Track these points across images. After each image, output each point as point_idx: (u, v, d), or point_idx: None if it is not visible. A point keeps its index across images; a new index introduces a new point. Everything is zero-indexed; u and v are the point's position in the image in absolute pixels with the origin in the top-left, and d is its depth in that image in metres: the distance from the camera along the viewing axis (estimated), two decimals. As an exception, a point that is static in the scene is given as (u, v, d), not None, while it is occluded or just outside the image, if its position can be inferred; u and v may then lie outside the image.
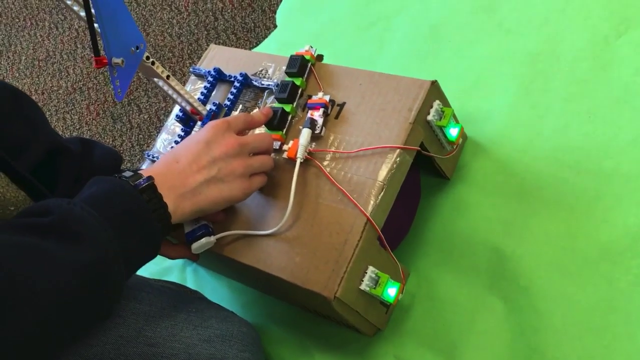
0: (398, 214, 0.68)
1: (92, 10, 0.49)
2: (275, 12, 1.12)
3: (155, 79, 0.67)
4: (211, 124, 0.63)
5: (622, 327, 0.62)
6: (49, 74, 1.43)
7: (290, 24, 1.07)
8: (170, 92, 0.69)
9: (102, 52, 0.52)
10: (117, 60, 0.52)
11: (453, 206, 0.77)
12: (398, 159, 0.63)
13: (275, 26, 1.10)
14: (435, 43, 0.90)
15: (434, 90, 0.66)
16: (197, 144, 0.61)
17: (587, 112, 0.74)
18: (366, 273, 0.62)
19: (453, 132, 0.69)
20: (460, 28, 0.89)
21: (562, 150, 0.74)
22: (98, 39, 0.50)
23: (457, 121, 0.73)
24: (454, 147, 0.73)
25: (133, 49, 0.55)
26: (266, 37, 1.10)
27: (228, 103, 0.76)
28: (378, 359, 0.73)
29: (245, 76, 0.76)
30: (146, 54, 0.61)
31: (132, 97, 1.27)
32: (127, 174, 0.58)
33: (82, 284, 0.47)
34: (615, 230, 0.67)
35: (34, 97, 1.40)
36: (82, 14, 0.55)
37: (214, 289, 0.89)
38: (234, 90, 0.76)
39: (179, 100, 0.72)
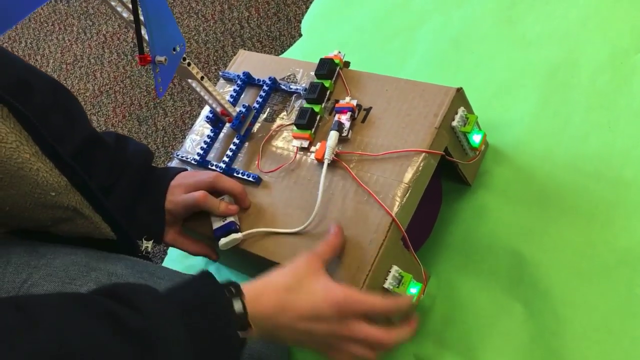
0: (420, 217, 0.70)
1: (140, 10, 0.52)
2: (300, 22, 1.15)
3: (189, 80, 0.70)
4: (334, 298, 0.58)
5: (639, 332, 0.63)
6: (77, 77, 1.47)
7: (315, 33, 1.10)
8: (202, 93, 0.72)
9: (146, 50, 0.54)
10: (160, 58, 0.55)
11: (474, 211, 0.79)
12: (423, 163, 0.65)
13: (300, 35, 1.12)
14: (458, 54, 0.92)
15: (459, 97, 0.68)
16: (309, 307, 0.58)
17: (607, 123, 0.76)
18: (390, 272, 0.64)
19: (476, 138, 0.71)
20: (482, 39, 0.91)
21: (582, 159, 0.75)
22: (143, 36, 0.53)
23: (480, 128, 0.75)
24: (477, 153, 0.74)
25: (174, 49, 0.58)
26: (291, 45, 1.12)
27: (256, 106, 0.78)
28: (397, 357, 0.74)
29: (274, 80, 0.79)
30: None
31: (158, 101, 1.30)
32: (235, 303, 0.54)
33: None
34: (635, 237, 0.68)
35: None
36: (125, 14, 0.58)
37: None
38: (263, 94, 0.78)
39: (210, 101, 0.74)
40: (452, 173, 0.77)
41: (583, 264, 0.70)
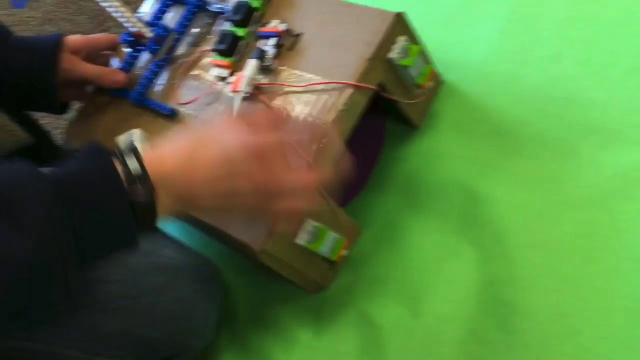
0: (354, 161, 0.62)
1: None
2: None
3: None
4: (246, 141, 0.49)
5: (600, 280, 0.56)
6: (27, 8, 1.37)
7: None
8: (110, 10, 0.62)
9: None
10: None
11: (422, 154, 0.70)
12: (350, 99, 0.55)
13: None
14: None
15: (399, 24, 0.58)
16: (221, 151, 0.49)
17: (583, 38, 0.66)
18: (302, 226, 0.56)
19: (416, 72, 0.62)
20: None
21: (552, 82, 0.66)
22: None
23: (427, 61, 0.65)
24: (422, 90, 0.65)
25: None
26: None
27: (178, 27, 0.68)
28: (337, 310, 0.67)
29: (201, -2, 0.68)
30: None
31: (106, 27, 1.20)
32: (131, 162, 0.46)
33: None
34: (603, 171, 0.59)
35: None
36: None
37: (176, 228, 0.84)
38: (186, 13, 0.68)
39: (121, 20, 0.64)
40: (397, 115, 0.68)
41: (543, 203, 0.61)
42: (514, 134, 0.66)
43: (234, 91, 0.59)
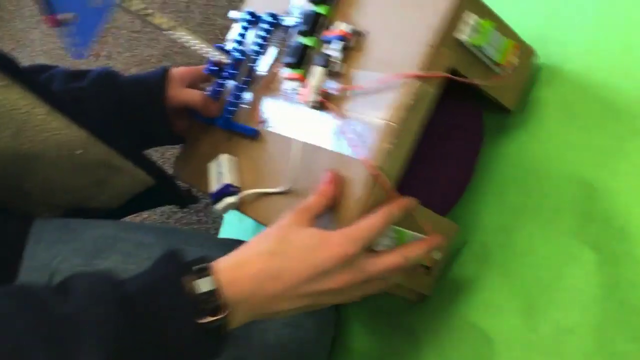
0: (447, 164, 0.58)
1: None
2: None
3: (168, 32, 0.62)
4: (338, 246, 0.49)
5: None
6: (144, 44, 1.46)
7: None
8: (186, 44, 0.63)
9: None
10: (65, 16, 0.47)
11: (526, 146, 0.64)
12: (414, 93, 0.51)
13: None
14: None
15: (465, 0, 0.53)
16: (309, 268, 0.48)
17: None
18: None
19: (496, 49, 0.56)
20: None
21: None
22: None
23: (508, 35, 0.59)
24: (506, 68, 0.59)
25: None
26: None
27: (256, 48, 0.68)
28: (443, 322, 0.63)
29: (274, 16, 0.68)
30: (140, 5, 0.56)
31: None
32: (203, 284, 0.45)
33: None
34: None
35: (132, 70, 1.44)
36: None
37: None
38: (261, 33, 0.68)
39: (201, 51, 0.66)
40: (491, 103, 0.62)
41: None
42: (632, 113, 0.57)
43: (304, 102, 0.57)
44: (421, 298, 0.63)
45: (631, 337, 0.51)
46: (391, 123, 0.51)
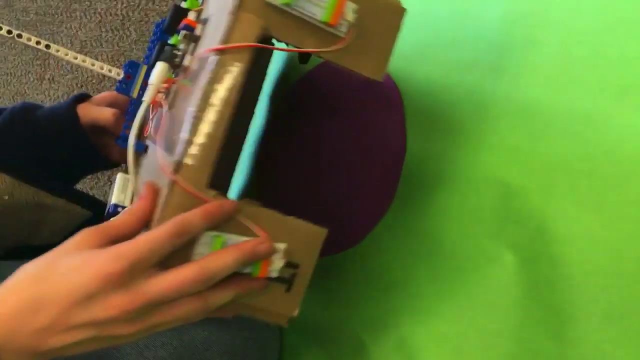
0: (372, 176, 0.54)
1: None
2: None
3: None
4: (100, 264, 0.41)
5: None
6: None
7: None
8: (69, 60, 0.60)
9: None
10: None
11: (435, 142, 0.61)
12: (222, 71, 0.46)
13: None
14: None
15: None
16: (70, 293, 0.41)
17: None
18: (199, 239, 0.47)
19: (320, 6, 0.47)
20: None
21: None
22: None
23: None
24: (340, 29, 0.49)
25: None
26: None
27: (147, 58, 0.65)
28: (377, 337, 0.62)
29: (159, 24, 0.64)
30: (5, 28, 0.52)
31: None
32: None
33: None
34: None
35: (75, 91, 1.40)
36: None
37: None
38: (151, 42, 0.64)
39: (101, 71, 0.62)
40: None
41: (584, 186, 0.51)
42: (543, 113, 0.55)
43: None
44: (285, 320, 0.54)
45: (552, 336, 0.50)
46: (198, 113, 0.46)
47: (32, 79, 1.54)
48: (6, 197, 0.59)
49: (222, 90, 0.46)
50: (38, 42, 0.56)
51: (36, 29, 1.60)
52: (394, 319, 0.61)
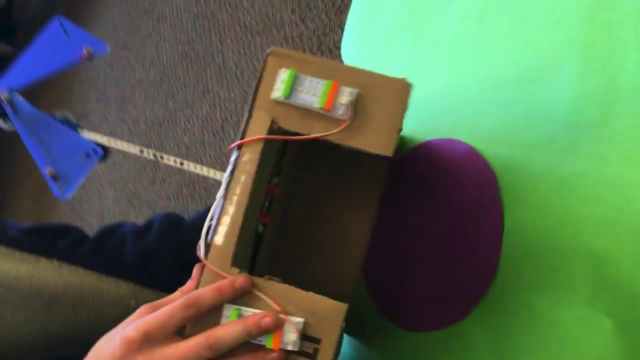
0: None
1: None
2: (339, 48, 1.09)
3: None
4: (125, 333, 0.50)
5: None
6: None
7: (355, 54, 1.03)
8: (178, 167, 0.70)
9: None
10: (50, 170, 0.57)
11: (518, 217, 0.65)
12: (238, 162, 0.54)
13: (341, 61, 1.07)
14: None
15: (277, 57, 0.55)
16: (107, 357, 0.50)
17: None
18: (222, 312, 0.53)
19: (315, 94, 0.53)
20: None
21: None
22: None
23: (329, 76, 0.55)
24: (337, 112, 0.54)
25: (81, 157, 0.58)
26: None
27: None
28: None
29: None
30: (151, 152, 0.63)
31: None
32: None
33: None
34: None
35: (183, 190, 1.53)
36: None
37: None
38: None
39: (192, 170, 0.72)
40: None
41: None
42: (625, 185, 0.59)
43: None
44: None
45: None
46: (222, 201, 0.55)
47: (144, 182, 1.71)
48: (132, 302, 0.66)
49: (240, 179, 0.54)
50: (175, 161, 0.66)
51: (146, 137, 1.79)
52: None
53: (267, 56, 0.55)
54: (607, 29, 0.64)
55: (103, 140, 0.62)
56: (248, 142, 0.53)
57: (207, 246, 0.54)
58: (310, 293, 0.54)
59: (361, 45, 1.02)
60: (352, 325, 0.81)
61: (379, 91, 0.54)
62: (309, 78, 0.53)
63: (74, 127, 0.62)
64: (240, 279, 0.53)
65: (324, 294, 0.81)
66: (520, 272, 0.66)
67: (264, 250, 0.78)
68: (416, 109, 0.81)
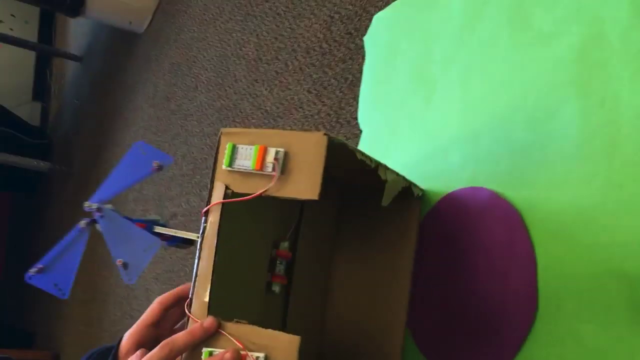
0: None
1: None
2: (356, 119, 1.15)
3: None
4: None
5: None
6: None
7: (373, 123, 1.10)
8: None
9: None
10: (120, 261, 0.66)
11: (548, 247, 0.69)
12: (206, 225, 0.63)
13: (360, 131, 1.13)
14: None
15: (228, 136, 0.65)
16: None
17: None
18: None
19: (246, 161, 0.63)
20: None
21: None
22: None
23: (259, 142, 0.64)
24: (267, 170, 0.63)
25: (145, 248, 0.65)
26: (357, 145, 1.13)
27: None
28: None
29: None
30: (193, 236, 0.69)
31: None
32: None
33: None
34: None
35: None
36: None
37: None
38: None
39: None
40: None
41: None
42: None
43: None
44: None
45: None
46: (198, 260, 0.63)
47: (184, 275, 1.77)
48: None
49: (207, 241, 0.63)
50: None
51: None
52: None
53: (220, 136, 0.64)
54: (599, 66, 0.70)
55: (171, 232, 0.72)
56: (211, 208, 0.63)
57: (190, 301, 0.63)
58: (269, 330, 0.60)
59: (376, 113, 1.09)
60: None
61: (302, 146, 0.62)
62: (243, 146, 0.63)
63: (157, 223, 0.73)
64: (208, 319, 0.61)
65: (371, 353, 0.85)
66: (560, 303, 0.68)
67: (297, 308, 0.83)
68: (435, 163, 0.87)
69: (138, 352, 0.64)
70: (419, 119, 0.95)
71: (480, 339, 0.75)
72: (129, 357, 0.67)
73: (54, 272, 0.71)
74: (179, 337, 0.60)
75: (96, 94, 3.36)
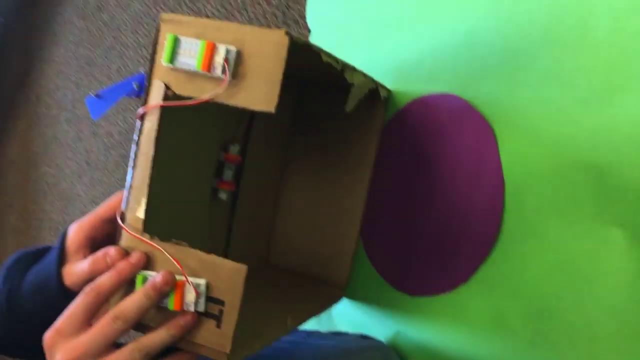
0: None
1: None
2: (305, 18, 1.06)
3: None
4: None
5: None
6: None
7: (323, 23, 1.01)
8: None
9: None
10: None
11: (512, 147, 0.64)
12: (142, 129, 0.54)
13: (309, 31, 1.04)
14: None
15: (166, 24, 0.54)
16: None
17: None
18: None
19: (191, 58, 0.52)
20: None
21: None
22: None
23: (202, 37, 0.53)
24: (215, 72, 0.52)
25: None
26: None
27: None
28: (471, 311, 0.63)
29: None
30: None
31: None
32: None
33: None
34: None
35: None
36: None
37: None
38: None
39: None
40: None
41: None
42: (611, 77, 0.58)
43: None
44: (224, 358, 0.53)
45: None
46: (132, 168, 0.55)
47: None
48: None
49: (144, 147, 0.54)
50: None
51: (122, 147, 1.75)
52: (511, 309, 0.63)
53: (159, 23, 0.54)
54: None
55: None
56: (148, 110, 0.54)
57: (122, 214, 0.55)
58: (212, 255, 0.52)
59: (326, 11, 1.00)
60: (355, 292, 0.79)
61: (258, 46, 0.51)
62: (187, 39, 0.52)
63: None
64: (135, 254, 0.53)
65: (321, 264, 0.79)
66: (524, 203, 0.64)
67: (244, 218, 0.76)
68: (390, 63, 0.79)
69: (87, 262, 0.55)
70: (374, 15, 0.86)
71: (433, 252, 0.71)
72: (80, 254, 0.57)
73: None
74: (104, 280, 0.52)
75: (22, 9, 3.10)
